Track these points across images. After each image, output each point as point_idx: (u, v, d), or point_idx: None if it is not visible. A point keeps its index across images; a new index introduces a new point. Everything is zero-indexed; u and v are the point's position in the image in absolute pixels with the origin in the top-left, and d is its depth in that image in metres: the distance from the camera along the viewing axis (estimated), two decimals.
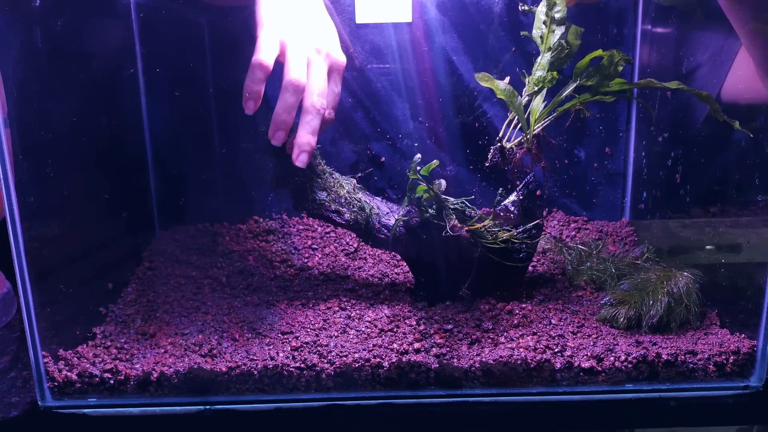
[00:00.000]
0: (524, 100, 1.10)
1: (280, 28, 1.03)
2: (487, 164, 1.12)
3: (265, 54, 1.00)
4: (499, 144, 1.11)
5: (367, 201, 1.14)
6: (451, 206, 1.09)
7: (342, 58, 1.07)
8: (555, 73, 1.09)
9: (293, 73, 1.01)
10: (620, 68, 1.07)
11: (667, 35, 1.33)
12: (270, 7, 1.04)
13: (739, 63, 1.18)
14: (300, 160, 1.03)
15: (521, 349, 1.00)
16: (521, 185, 1.13)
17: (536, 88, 1.10)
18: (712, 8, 1.09)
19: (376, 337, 1.04)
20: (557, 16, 1.09)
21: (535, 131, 1.11)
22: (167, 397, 0.99)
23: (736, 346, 1.01)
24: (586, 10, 1.35)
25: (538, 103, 1.11)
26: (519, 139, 1.11)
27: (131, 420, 0.99)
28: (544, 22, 1.09)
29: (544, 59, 1.10)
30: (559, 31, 1.09)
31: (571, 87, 1.09)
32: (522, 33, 1.17)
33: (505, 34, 1.36)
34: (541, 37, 1.10)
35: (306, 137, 1.02)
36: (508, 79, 1.12)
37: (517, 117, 1.10)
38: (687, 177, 1.24)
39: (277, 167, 1.10)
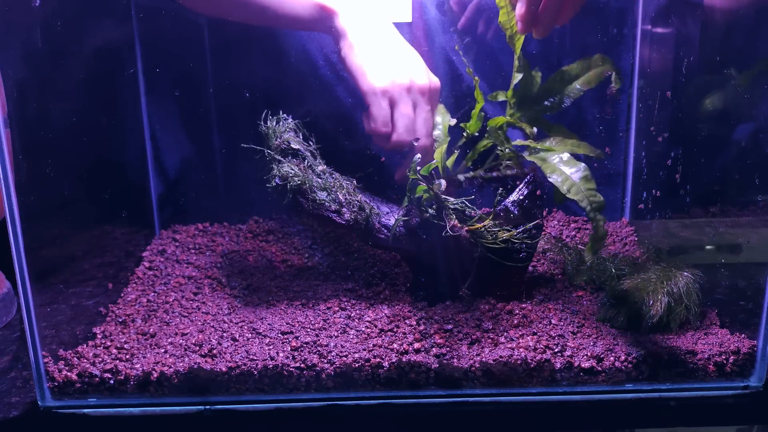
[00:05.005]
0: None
1: (383, 88, 1.13)
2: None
3: (381, 123, 1.14)
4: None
5: (367, 201, 1.14)
6: (451, 206, 1.09)
7: (433, 81, 1.17)
8: None
9: (397, 137, 1.14)
10: None
11: (667, 35, 1.33)
12: (364, 58, 1.14)
13: None
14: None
15: (521, 349, 1.00)
16: (521, 185, 1.13)
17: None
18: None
19: (376, 337, 1.04)
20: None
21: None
22: (167, 397, 0.99)
23: (736, 346, 1.01)
24: (586, 10, 1.35)
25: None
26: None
27: (131, 420, 0.99)
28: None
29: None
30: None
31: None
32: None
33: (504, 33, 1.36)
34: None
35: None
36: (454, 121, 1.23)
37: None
38: (687, 177, 1.24)
39: (277, 168, 1.09)
